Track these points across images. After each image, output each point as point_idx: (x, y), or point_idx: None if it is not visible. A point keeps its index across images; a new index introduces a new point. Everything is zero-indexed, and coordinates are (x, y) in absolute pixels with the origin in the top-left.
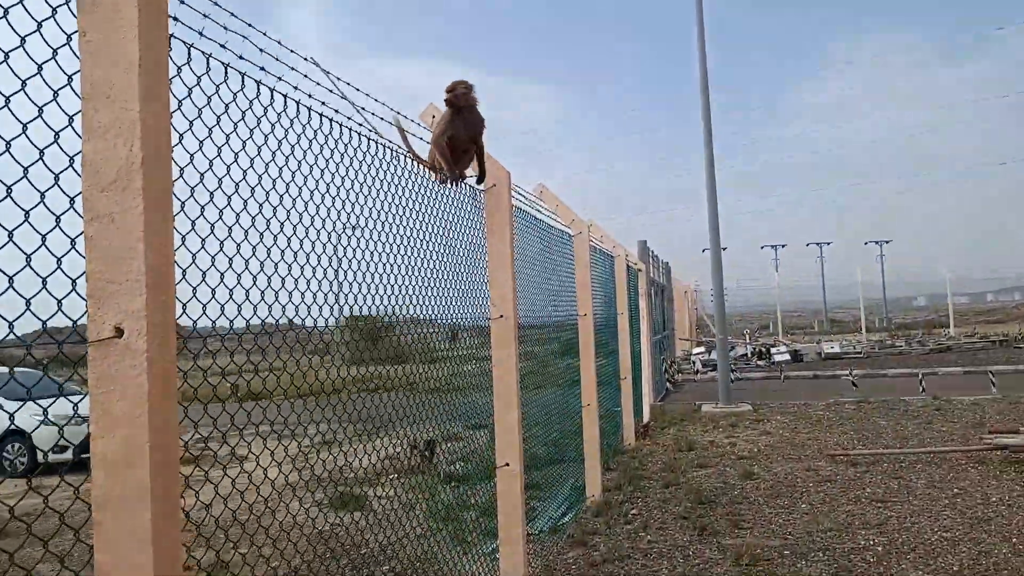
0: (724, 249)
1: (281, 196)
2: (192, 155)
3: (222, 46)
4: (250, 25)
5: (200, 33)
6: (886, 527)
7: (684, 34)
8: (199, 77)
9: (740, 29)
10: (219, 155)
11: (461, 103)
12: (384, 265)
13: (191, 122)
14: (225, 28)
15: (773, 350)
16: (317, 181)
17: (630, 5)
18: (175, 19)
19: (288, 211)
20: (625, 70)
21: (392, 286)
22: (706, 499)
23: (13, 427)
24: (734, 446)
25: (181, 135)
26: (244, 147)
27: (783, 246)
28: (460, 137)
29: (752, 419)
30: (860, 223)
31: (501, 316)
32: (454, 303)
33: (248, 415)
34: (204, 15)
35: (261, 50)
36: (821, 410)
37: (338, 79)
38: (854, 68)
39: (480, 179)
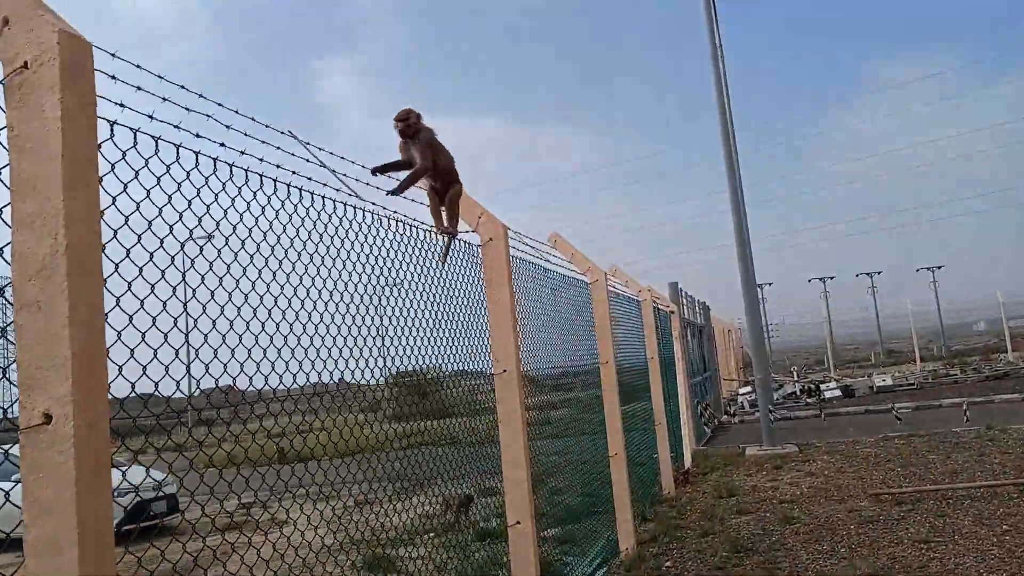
0: (770, 284)
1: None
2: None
3: (196, 135)
4: (239, 113)
5: (150, 117)
6: (927, 570)
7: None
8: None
9: (770, 57)
10: (233, 231)
11: (411, 133)
12: (423, 321)
13: (189, 201)
14: (187, 109)
15: (823, 386)
16: (324, 250)
17: (653, 48)
18: (122, 105)
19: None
20: (654, 109)
21: (432, 340)
22: (743, 547)
23: None
24: (776, 490)
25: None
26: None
27: (831, 278)
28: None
29: (797, 460)
30: (911, 251)
31: (504, 371)
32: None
33: (295, 475)
34: (163, 98)
35: (246, 133)
36: (869, 447)
37: (319, 148)
38: (892, 92)
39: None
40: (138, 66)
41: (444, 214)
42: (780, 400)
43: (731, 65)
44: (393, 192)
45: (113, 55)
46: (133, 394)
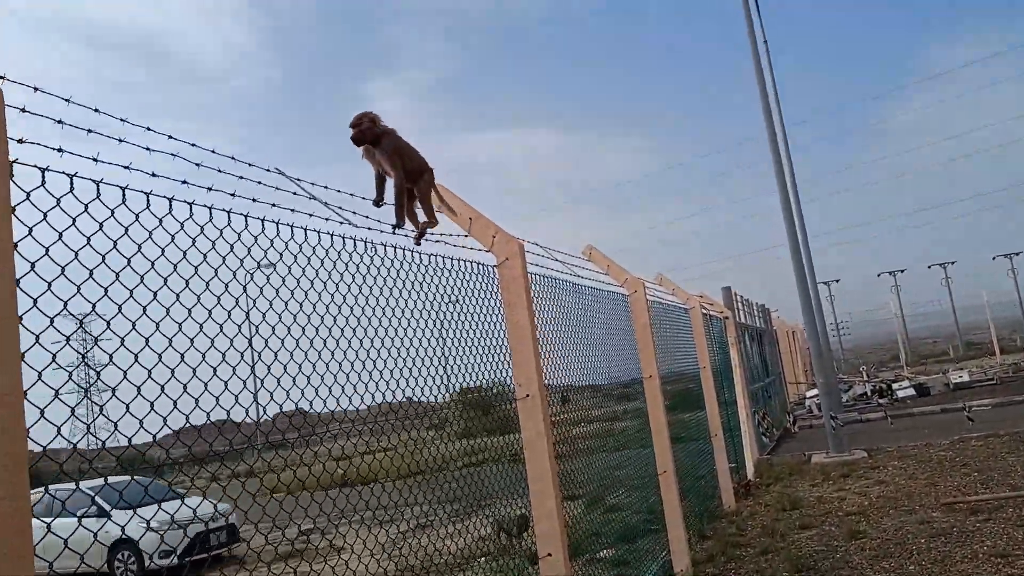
0: (837, 281)
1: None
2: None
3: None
4: (235, 158)
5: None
6: None
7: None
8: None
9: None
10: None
11: (368, 139)
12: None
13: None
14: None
15: (895, 385)
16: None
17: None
18: (60, 151)
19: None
20: (709, 111)
21: (492, 356)
22: (805, 566)
23: (123, 536)
24: (843, 500)
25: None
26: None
27: (902, 271)
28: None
29: (866, 467)
30: (985, 239)
31: (527, 396)
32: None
33: (360, 498)
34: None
35: (241, 177)
36: (943, 450)
37: (312, 184)
38: (955, 74)
39: (397, 224)
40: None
41: (420, 210)
42: (850, 402)
43: (786, 56)
44: (398, 226)
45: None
46: (208, 421)
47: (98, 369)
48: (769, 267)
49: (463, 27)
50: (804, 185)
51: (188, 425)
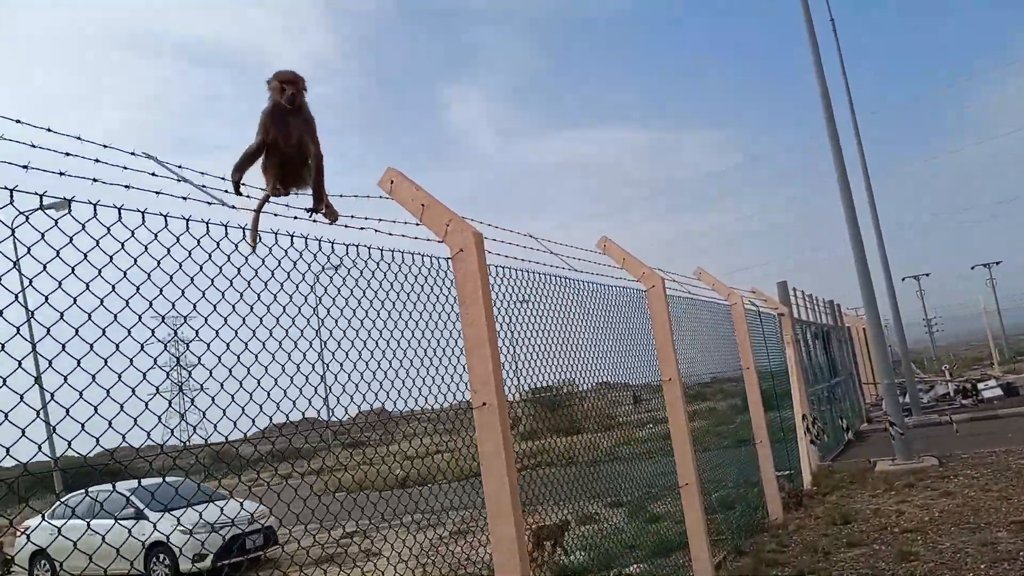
0: (927, 275)
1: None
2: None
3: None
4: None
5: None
6: None
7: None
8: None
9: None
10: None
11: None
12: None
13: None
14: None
15: (980, 385)
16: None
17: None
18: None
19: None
20: (778, 106)
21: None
22: None
23: (158, 538)
24: (901, 515)
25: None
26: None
27: (997, 263)
28: (279, 145)
29: (935, 476)
30: None
31: (484, 404)
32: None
33: (405, 500)
34: None
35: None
36: None
37: (179, 166)
38: None
39: (316, 208)
40: None
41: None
42: (930, 403)
43: (863, 43)
44: (317, 210)
45: None
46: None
47: (189, 369)
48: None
49: (541, 27)
50: (885, 175)
51: (271, 425)
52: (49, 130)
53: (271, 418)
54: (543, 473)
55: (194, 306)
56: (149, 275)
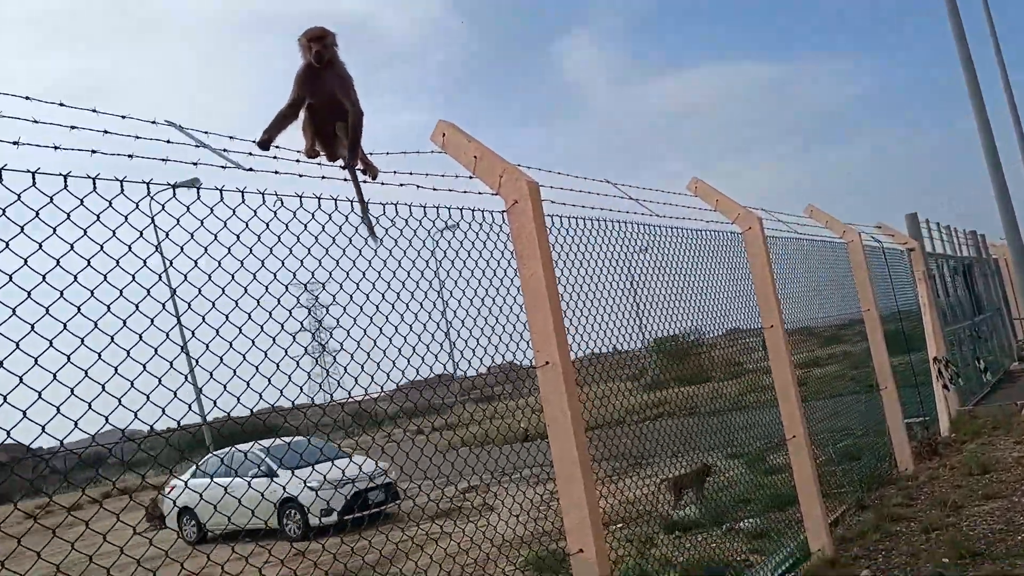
0: None
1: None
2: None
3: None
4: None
5: None
6: None
7: None
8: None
9: None
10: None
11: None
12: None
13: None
14: None
15: None
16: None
17: None
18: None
19: None
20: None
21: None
22: (972, 551)
23: (287, 495)
24: None
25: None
26: None
27: None
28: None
29: None
30: None
31: (547, 363)
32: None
33: (524, 454)
34: None
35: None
36: None
37: (206, 132)
38: None
39: (349, 165)
40: None
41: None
42: None
43: None
44: (351, 166)
45: None
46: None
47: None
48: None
49: None
50: None
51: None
52: (96, 109)
53: (403, 372)
54: (664, 424)
55: (330, 274)
56: (290, 250)
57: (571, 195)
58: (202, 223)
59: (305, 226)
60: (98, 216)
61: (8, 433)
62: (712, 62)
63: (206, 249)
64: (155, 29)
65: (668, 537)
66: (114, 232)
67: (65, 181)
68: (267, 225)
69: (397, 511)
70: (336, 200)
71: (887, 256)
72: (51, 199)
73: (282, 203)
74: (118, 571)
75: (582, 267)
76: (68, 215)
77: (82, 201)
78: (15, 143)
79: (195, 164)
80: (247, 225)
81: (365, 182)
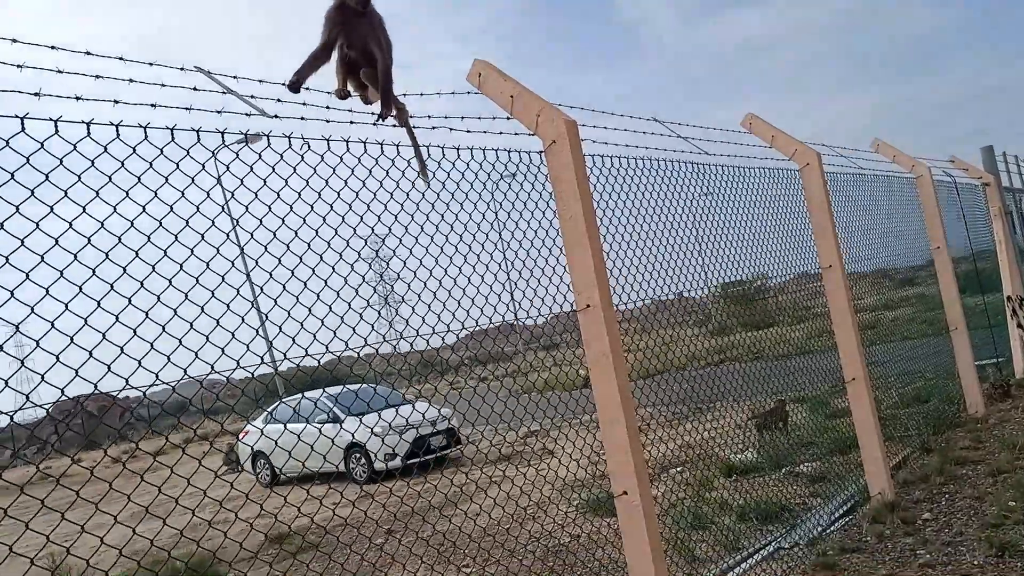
0: None
1: None
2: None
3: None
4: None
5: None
6: None
7: None
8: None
9: None
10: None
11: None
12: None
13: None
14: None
15: None
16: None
17: None
18: None
19: None
20: None
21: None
22: None
23: (353, 440)
24: None
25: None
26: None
27: None
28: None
29: None
30: None
31: (588, 306)
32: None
33: (583, 401)
34: None
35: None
36: None
37: (234, 77)
38: None
39: (382, 115)
40: None
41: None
42: None
43: None
44: (384, 116)
45: None
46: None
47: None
48: None
49: None
50: None
51: (476, 328)
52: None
53: (473, 316)
54: (728, 369)
55: (389, 229)
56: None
57: (616, 135)
58: (265, 182)
59: (364, 181)
60: (168, 176)
61: (95, 386)
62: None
63: (270, 208)
64: None
65: (727, 480)
66: (183, 193)
67: (117, 131)
68: (326, 182)
69: (460, 456)
70: (382, 145)
71: (960, 192)
72: (105, 148)
73: (308, 145)
74: (202, 511)
75: (632, 209)
76: (147, 170)
77: (135, 150)
78: (35, 94)
79: (219, 112)
80: (308, 183)
81: (394, 126)
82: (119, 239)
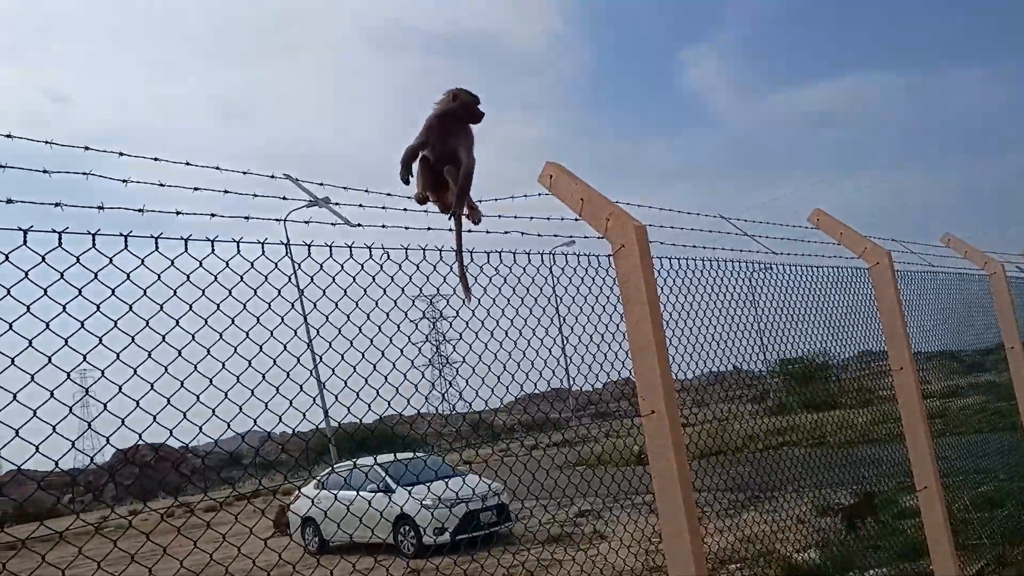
0: None
1: None
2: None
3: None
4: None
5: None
6: None
7: None
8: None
9: None
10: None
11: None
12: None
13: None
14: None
15: None
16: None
17: None
18: None
19: None
20: None
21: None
22: None
23: (402, 512)
24: None
25: None
26: None
27: None
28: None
29: None
30: None
31: (652, 412)
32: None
33: (637, 480)
34: None
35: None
36: None
37: (320, 184)
38: None
39: (448, 211)
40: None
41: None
42: None
43: None
44: (455, 213)
45: None
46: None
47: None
48: None
49: None
50: None
51: (524, 394)
52: (187, 163)
53: (521, 386)
54: (789, 453)
55: (447, 301)
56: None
57: (683, 234)
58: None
59: (420, 268)
60: (257, 290)
61: (139, 435)
62: (842, 72)
63: (333, 278)
64: (288, 55)
65: None
66: (252, 263)
67: (212, 247)
68: (392, 278)
69: (509, 533)
70: (440, 250)
71: None
72: (200, 263)
73: (388, 256)
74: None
75: (695, 299)
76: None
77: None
78: (139, 210)
79: (307, 223)
80: (381, 265)
81: (469, 231)
82: (190, 306)
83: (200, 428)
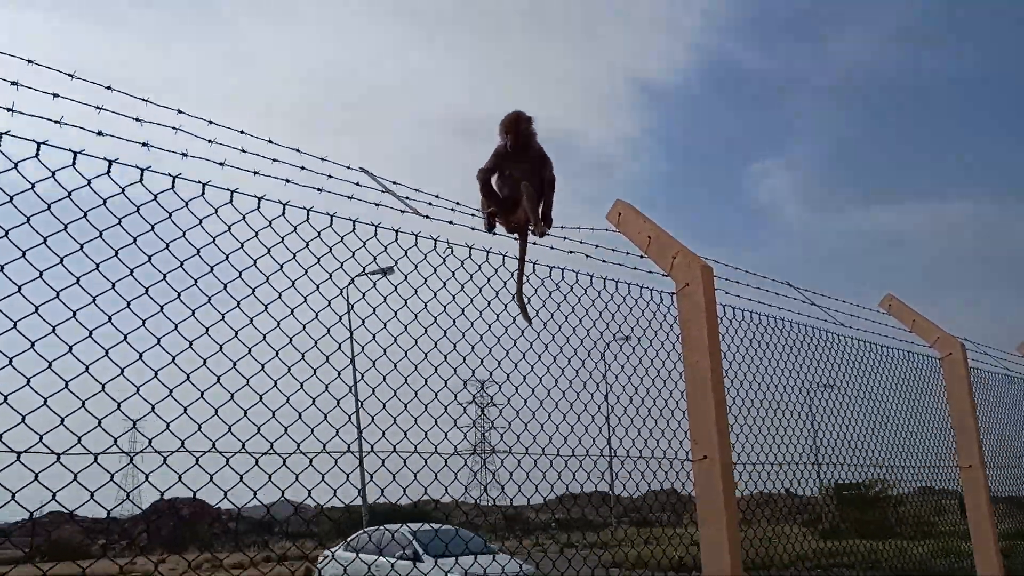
0: None
1: None
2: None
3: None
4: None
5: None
6: None
7: None
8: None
9: None
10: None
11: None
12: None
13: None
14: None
15: None
16: None
17: None
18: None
19: None
20: None
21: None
22: None
23: None
24: None
25: None
26: None
27: None
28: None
29: None
30: None
31: (704, 457)
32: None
33: None
34: None
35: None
36: None
37: (393, 182)
38: None
39: (536, 231)
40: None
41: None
42: None
43: None
44: (537, 231)
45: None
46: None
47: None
48: None
49: (859, 91)
50: None
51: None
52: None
53: (567, 486)
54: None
55: (498, 363)
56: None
57: (748, 290)
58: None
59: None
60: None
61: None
62: (914, 197)
63: (374, 336)
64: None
65: None
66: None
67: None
68: (435, 319)
69: None
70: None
71: None
72: (268, 250)
73: (452, 250)
74: None
75: (754, 368)
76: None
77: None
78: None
79: (376, 205)
80: (435, 342)
81: (535, 245)
82: (249, 350)
83: (225, 494)
